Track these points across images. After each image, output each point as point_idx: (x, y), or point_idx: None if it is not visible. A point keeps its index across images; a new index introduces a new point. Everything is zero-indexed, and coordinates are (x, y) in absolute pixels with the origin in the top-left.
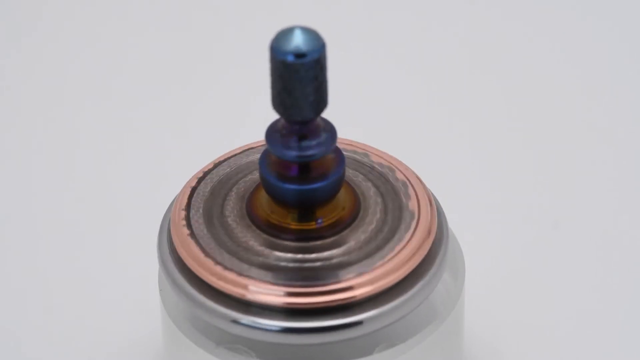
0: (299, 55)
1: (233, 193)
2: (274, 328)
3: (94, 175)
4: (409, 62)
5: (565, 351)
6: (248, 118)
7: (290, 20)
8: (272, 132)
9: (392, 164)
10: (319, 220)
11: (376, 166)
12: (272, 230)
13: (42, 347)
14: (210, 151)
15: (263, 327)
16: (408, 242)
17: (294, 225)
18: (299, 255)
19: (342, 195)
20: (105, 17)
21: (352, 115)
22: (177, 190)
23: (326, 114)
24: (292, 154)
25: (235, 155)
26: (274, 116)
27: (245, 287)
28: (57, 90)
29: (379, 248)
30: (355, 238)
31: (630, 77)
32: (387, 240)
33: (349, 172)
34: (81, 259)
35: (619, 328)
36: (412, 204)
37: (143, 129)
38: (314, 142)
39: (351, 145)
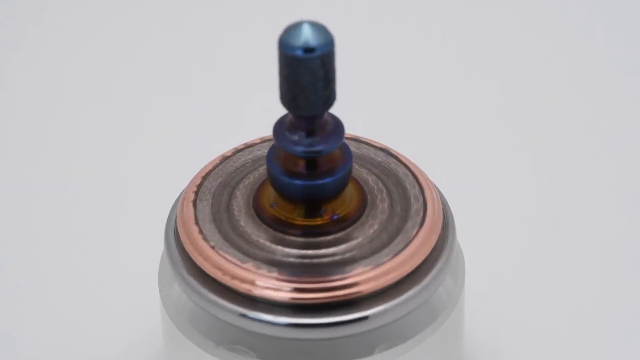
0: (308, 50)
1: (240, 189)
2: (280, 323)
3: (94, 175)
4: (416, 59)
5: (565, 351)
6: (250, 115)
7: (293, 18)
8: (279, 127)
9: (399, 160)
10: (334, 217)
11: (383, 162)
12: (279, 226)
13: (42, 348)
14: (212, 149)
15: (269, 322)
16: (414, 238)
17: (300, 221)
18: (306, 251)
19: (349, 191)
20: (104, 17)
21: (360, 112)
22: (179, 189)
23: (334, 110)
24: (300, 149)
25: (242, 150)
26: (276, 113)
27: (252, 282)
28: (57, 90)
29: (385, 244)
30: (361, 234)
31: (630, 77)
32: (393, 236)
33: (356, 168)
34: (81, 259)
35: (618, 328)
36: (419, 201)
37: (143, 128)
38: (321, 138)
39: (358, 141)
